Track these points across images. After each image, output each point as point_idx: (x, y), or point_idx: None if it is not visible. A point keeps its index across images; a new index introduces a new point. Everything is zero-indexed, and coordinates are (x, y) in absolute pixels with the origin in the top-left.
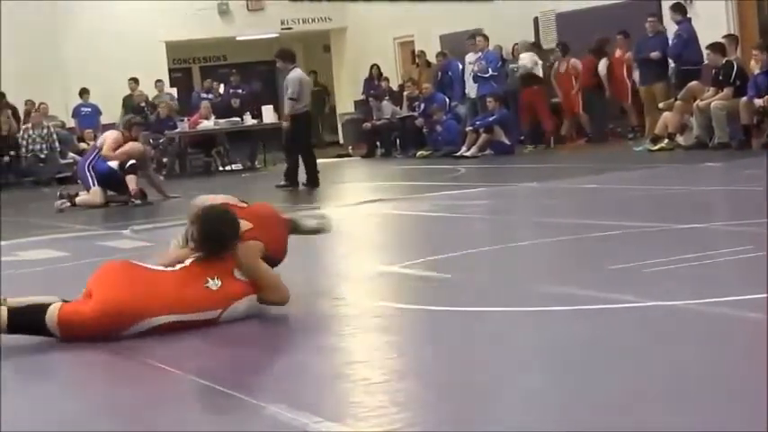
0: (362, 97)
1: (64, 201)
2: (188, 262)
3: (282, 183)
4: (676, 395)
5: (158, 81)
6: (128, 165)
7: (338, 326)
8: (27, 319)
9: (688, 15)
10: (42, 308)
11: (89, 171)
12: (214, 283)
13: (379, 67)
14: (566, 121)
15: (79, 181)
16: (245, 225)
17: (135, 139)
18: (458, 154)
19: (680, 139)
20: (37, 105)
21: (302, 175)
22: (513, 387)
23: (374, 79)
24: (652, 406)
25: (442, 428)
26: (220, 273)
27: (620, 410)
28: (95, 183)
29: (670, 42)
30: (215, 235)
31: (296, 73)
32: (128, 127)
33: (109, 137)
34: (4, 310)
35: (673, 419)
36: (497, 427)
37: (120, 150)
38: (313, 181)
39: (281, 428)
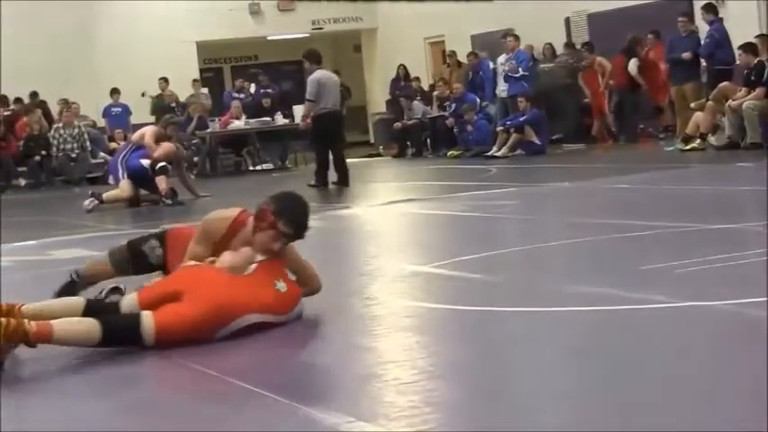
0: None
1: (92, 200)
2: (254, 265)
3: (313, 182)
4: (708, 396)
5: (195, 81)
6: (158, 166)
7: (369, 326)
8: (121, 330)
9: (720, 15)
10: (131, 316)
11: (120, 165)
12: (281, 286)
13: (405, 68)
14: (595, 121)
15: (110, 176)
16: None
17: (169, 139)
18: (488, 154)
19: (712, 140)
20: (61, 107)
21: (334, 175)
22: (545, 388)
23: (401, 79)
24: (683, 407)
25: (473, 429)
26: (281, 274)
27: (650, 411)
28: (125, 176)
29: (702, 42)
30: (306, 219)
31: (316, 74)
32: (164, 126)
33: (148, 130)
34: (96, 322)
35: (704, 420)
36: (528, 428)
37: (157, 154)
38: (343, 180)
39: (313, 428)
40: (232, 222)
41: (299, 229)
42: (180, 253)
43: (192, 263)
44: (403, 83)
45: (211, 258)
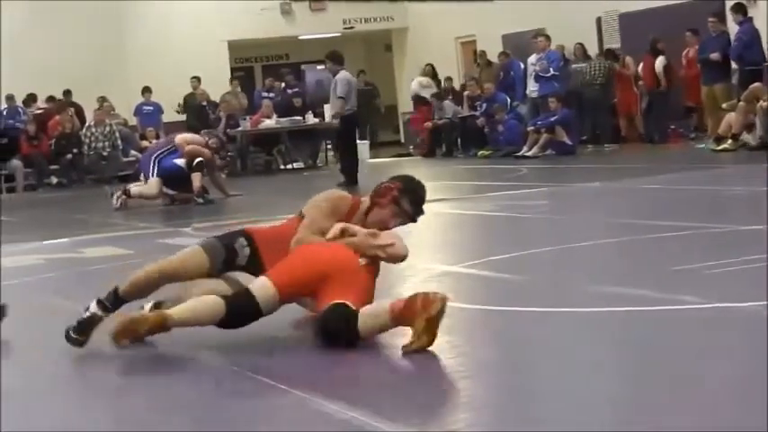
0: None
1: (119, 196)
2: (364, 261)
3: (343, 181)
4: (736, 396)
5: (234, 79)
6: (195, 162)
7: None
8: (240, 305)
9: (751, 15)
10: (244, 293)
11: (153, 162)
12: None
13: (433, 67)
14: (622, 121)
15: (141, 173)
16: None
17: (207, 146)
18: (519, 154)
19: (748, 138)
20: (100, 104)
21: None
22: (574, 388)
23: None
24: (710, 407)
25: (502, 429)
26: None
27: (678, 411)
28: (155, 174)
29: (732, 43)
30: (424, 203)
31: (345, 74)
32: (209, 137)
33: (189, 137)
34: (219, 299)
35: (731, 420)
36: (557, 428)
37: (187, 149)
38: (353, 179)
39: (341, 428)
40: (353, 202)
41: (418, 212)
42: (275, 252)
43: (317, 238)
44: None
45: (373, 231)
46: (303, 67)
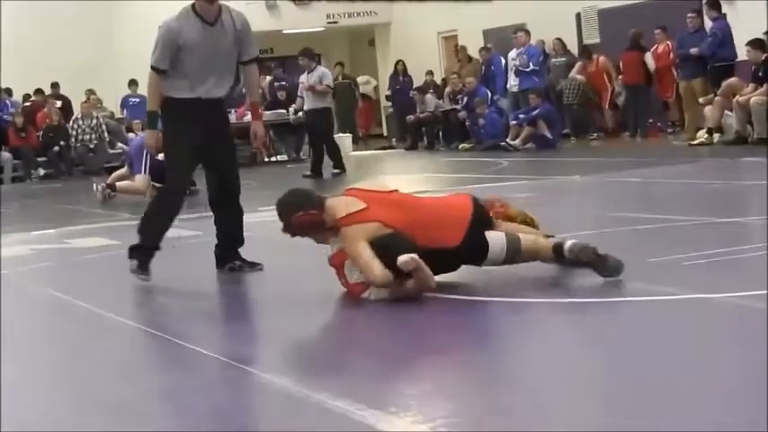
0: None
1: (103, 189)
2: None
3: (309, 173)
4: (712, 390)
5: None
6: None
7: (380, 316)
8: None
9: (730, 11)
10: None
11: (146, 157)
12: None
13: (404, 63)
14: (595, 115)
15: (131, 163)
16: (356, 205)
17: None
18: (503, 143)
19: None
20: (87, 97)
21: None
22: (555, 379)
23: (399, 75)
24: (686, 402)
25: (485, 424)
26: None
27: (655, 406)
28: (147, 171)
29: (706, 39)
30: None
31: (325, 68)
32: None
33: None
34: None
35: (708, 415)
36: (539, 427)
37: None
38: (341, 165)
39: (325, 415)
40: None
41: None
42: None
43: None
44: (402, 78)
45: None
46: (274, 64)
